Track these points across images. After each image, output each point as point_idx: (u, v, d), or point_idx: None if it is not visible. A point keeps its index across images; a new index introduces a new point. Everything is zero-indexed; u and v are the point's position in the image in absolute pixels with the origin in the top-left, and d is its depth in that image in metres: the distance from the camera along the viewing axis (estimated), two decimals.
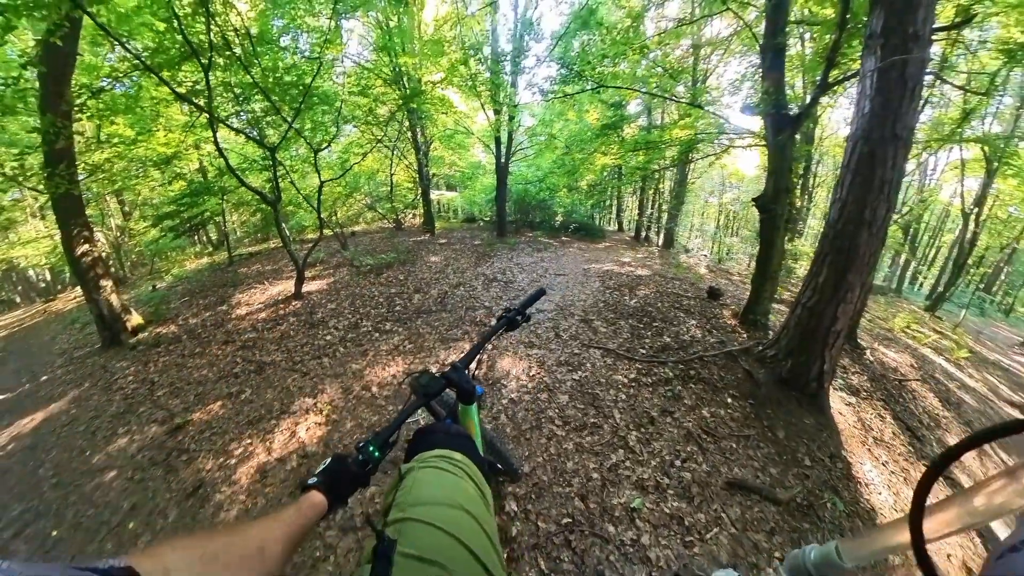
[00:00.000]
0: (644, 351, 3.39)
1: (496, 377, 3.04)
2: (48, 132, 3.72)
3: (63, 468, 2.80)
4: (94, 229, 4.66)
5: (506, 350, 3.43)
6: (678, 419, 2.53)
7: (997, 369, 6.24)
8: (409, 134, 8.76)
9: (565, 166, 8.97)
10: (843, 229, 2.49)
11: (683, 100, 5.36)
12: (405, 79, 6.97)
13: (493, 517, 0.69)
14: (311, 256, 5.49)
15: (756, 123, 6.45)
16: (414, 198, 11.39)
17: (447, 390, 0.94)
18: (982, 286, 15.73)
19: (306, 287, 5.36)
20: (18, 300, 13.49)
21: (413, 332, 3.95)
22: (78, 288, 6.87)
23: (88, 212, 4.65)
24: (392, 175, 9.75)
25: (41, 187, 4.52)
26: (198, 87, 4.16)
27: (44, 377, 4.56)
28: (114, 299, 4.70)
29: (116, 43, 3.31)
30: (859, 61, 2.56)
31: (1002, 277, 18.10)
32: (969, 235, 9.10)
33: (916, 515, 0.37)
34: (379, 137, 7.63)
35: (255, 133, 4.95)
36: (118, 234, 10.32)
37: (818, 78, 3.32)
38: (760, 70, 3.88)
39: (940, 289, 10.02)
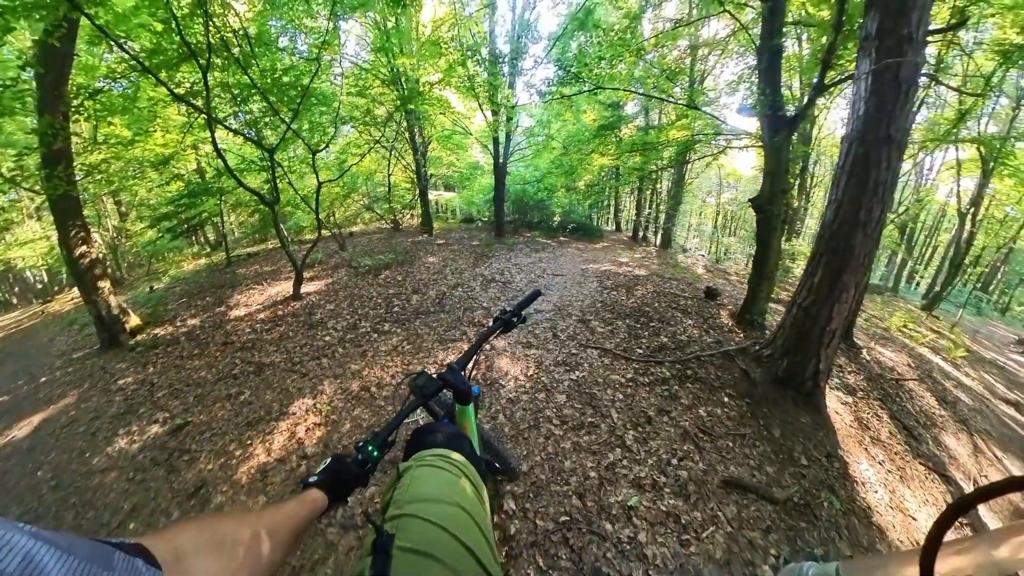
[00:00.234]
0: (641, 351, 3.40)
1: (494, 377, 3.05)
2: (46, 133, 3.71)
3: (62, 470, 2.79)
4: (91, 230, 4.65)
5: (504, 350, 3.44)
6: (675, 418, 2.55)
7: (993, 367, 6.28)
8: (407, 134, 8.77)
9: (563, 166, 9.00)
10: (838, 230, 2.51)
11: (680, 102, 5.39)
12: (403, 80, 6.98)
13: (488, 514, 0.71)
14: (309, 257, 5.50)
15: (753, 124, 6.51)
16: (412, 198, 11.40)
17: (444, 391, 0.95)
18: (979, 285, 15.82)
19: (304, 288, 5.37)
20: (15, 301, 13.44)
21: (411, 333, 3.96)
22: (75, 289, 6.87)
23: (85, 213, 4.65)
24: (390, 175, 9.75)
25: (38, 188, 4.52)
26: (196, 88, 4.17)
27: (42, 379, 4.55)
28: (112, 300, 4.70)
29: (114, 44, 3.31)
30: (855, 63, 2.59)
31: (999, 276, 18.21)
32: (965, 235, 9.15)
33: (929, 556, 0.33)
34: (377, 138, 7.64)
35: (253, 134, 4.95)
36: (115, 235, 10.30)
37: (814, 80, 3.34)
38: (757, 71, 3.91)
39: (937, 288, 10.08)
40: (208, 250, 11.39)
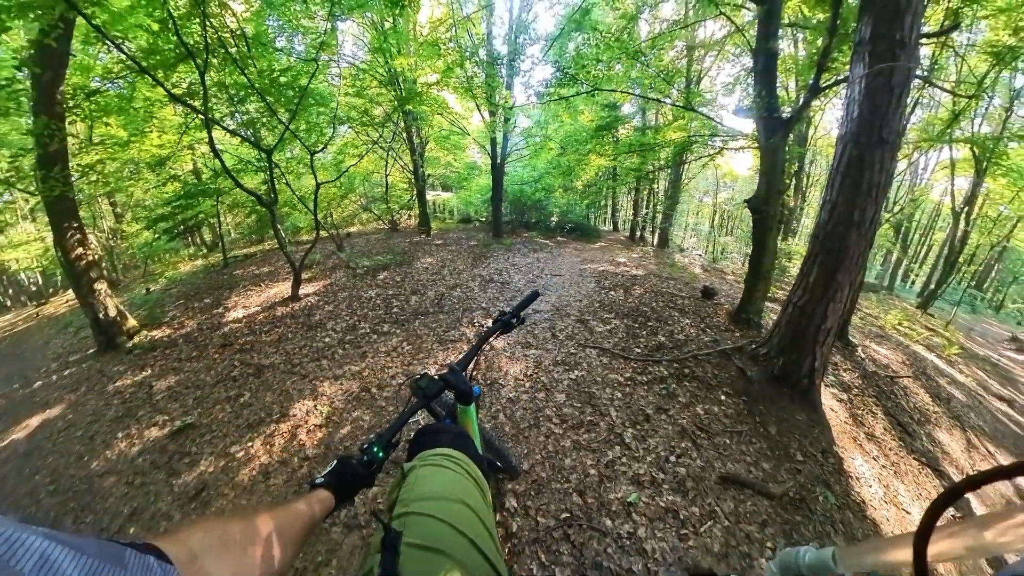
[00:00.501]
0: (639, 350, 3.43)
1: (494, 377, 3.07)
2: (42, 134, 3.69)
3: (60, 474, 2.77)
4: (87, 232, 4.62)
5: (504, 350, 3.46)
6: (673, 416, 2.58)
7: (987, 364, 6.36)
8: (404, 135, 8.76)
9: (560, 167, 9.02)
10: (833, 230, 2.55)
11: (677, 103, 5.42)
12: (400, 80, 6.98)
13: (491, 510, 0.73)
14: (307, 258, 5.49)
15: (749, 125, 6.55)
16: (409, 199, 11.39)
17: (446, 391, 0.97)
18: (973, 283, 15.98)
19: (303, 289, 5.36)
20: (8, 304, 13.31)
21: (411, 334, 3.97)
22: (70, 291, 6.81)
23: (80, 214, 4.62)
24: (387, 176, 9.74)
25: (33, 189, 4.49)
26: (193, 88, 4.16)
27: (38, 382, 4.52)
28: (109, 303, 4.67)
29: (111, 44, 3.30)
30: (849, 66, 2.62)
31: (993, 274, 18.41)
32: (960, 233, 9.24)
33: (922, 540, 0.35)
34: (375, 139, 7.63)
35: (250, 135, 4.94)
36: (110, 236, 10.23)
37: (809, 82, 3.38)
38: (753, 73, 3.94)
39: (932, 287, 10.17)
40: (205, 251, 11.33)
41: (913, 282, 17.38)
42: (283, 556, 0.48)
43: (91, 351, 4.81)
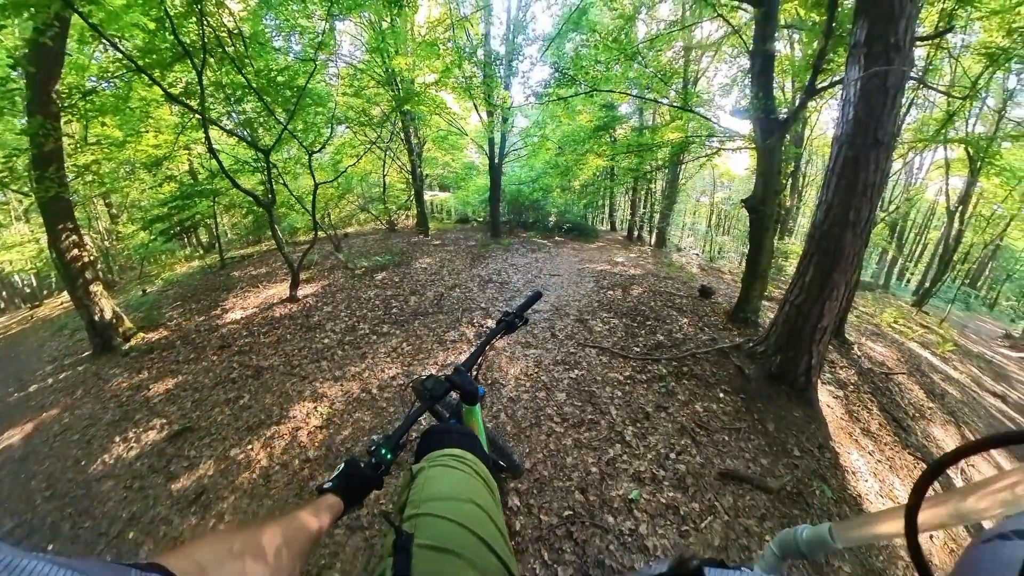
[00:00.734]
0: (638, 349, 3.45)
1: (495, 377, 3.08)
2: (37, 134, 3.66)
3: (57, 479, 2.75)
4: (82, 233, 4.59)
5: (504, 350, 3.47)
6: (672, 414, 2.60)
7: (981, 361, 6.44)
8: (402, 135, 8.75)
9: (558, 167, 9.04)
10: (829, 230, 2.58)
11: (675, 104, 5.45)
12: (398, 80, 6.97)
13: (500, 509, 0.73)
14: (305, 259, 5.48)
15: (746, 126, 6.60)
16: (407, 199, 11.37)
17: (451, 392, 0.97)
18: (967, 281, 16.16)
19: (301, 290, 5.35)
20: (2, 306, 13.17)
21: (411, 334, 3.97)
22: (65, 293, 6.75)
23: (75, 215, 4.58)
24: (385, 176, 9.73)
25: (27, 190, 4.45)
26: (191, 88, 4.13)
27: (33, 386, 4.48)
28: (105, 304, 4.64)
29: (107, 43, 3.28)
30: (845, 67, 2.65)
31: (986, 272, 18.63)
32: (954, 232, 9.36)
33: (912, 511, 0.37)
34: (373, 139, 7.62)
35: (248, 135, 4.92)
36: (106, 237, 10.15)
37: (806, 83, 3.41)
38: (750, 75, 3.97)
39: (927, 285, 10.29)
40: (201, 252, 11.26)
41: (908, 280, 17.55)
42: (293, 565, 0.48)
43: (87, 354, 4.77)
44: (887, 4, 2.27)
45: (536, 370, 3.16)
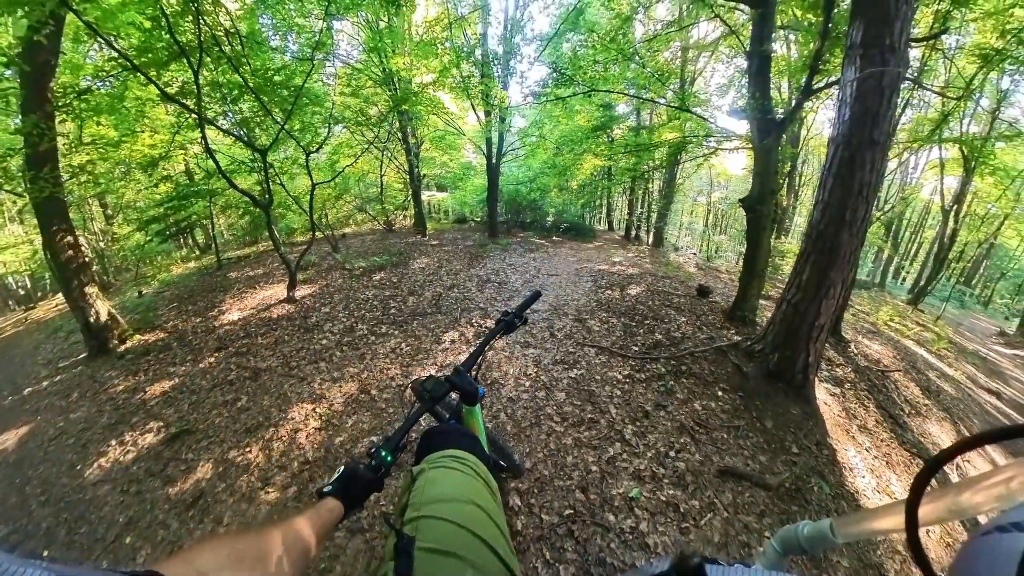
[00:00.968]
0: (637, 348, 3.46)
1: (494, 377, 3.08)
2: (31, 133, 3.63)
3: (52, 484, 2.72)
4: (77, 234, 4.55)
5: (502, 350, 3.47)
6: (671, 412, 2.61)
7: (976, 358, 6.50)
8: (399, 135, 8.73)
9: (556, 167, 9.05)
10: (825, 229, 2.60)
11: (672, 104, 5.47)
12: (396, 80, 6.96)
13: (502, 509, 0.73)
14: (302, 259, 5.46)
15: (743, 126, 6.63)
16: (404, 199, 11.35)
17: (451, 393, 0.97)
18: (962, 279, 16.32)
19: (298, 291, 5.32)
20: None
21: (409, 334, 3.97)
22: (60, 295, 6.70)
23: (70, 216, 4.54)
24: (382, 176, 9.70)
25: (21, 190, 4.41)
26: (187, 87, 4.11)
27: (28, 389, 4.43)
28: (100, 306, 4.60)
29: (102, 42, 3.25)
30: (841, 68, 2.67)
31: (981, 271, 18.83)
32: (949, 231, 9.44)
33: (912, 506, 0.37)
34: (370, 139, 7.60)
35: (244, 134, 4.90)
36: (101, 238, 10.06)
37: (802, 83, 3.44)
38: (747, 75, 3.99)
39: (922, 283, 10.38)
40: (197, 253, 11.19)
41: (904, 279, 17.70)
42: (294, 571, 0.47)
43: (82, 356, 4.73)
44: (883, 6, 2.29)
45: (535, 370, 3.16)
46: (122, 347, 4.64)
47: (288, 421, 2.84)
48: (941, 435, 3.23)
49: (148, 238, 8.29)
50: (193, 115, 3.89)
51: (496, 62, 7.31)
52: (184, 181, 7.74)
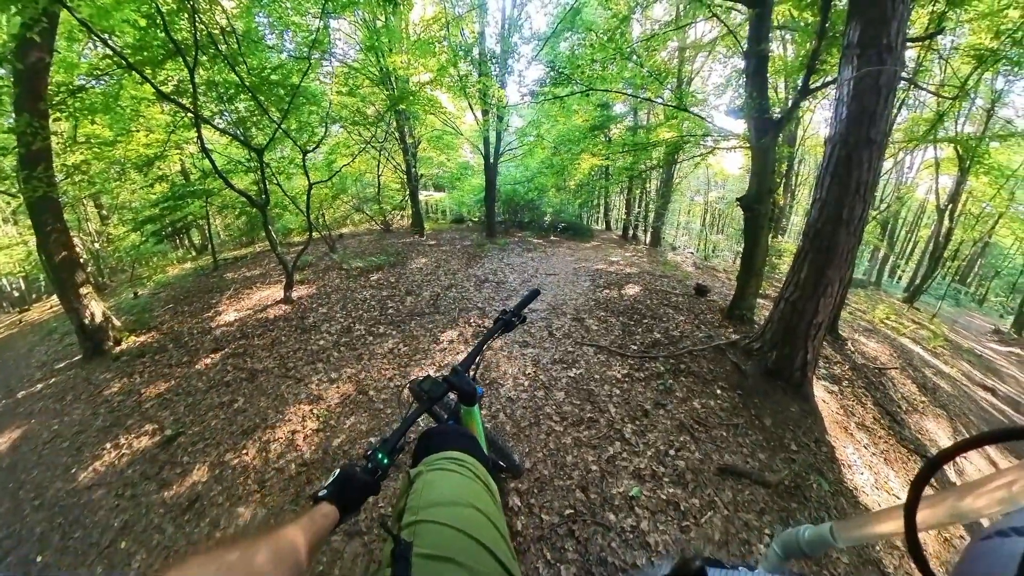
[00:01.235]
0: (636, 347, 3.46)
1: (493, 377, 3.07)
2: (24, 132, 3.59)
3: (46, 488, 2.69)
4: (71, 234, 4.50)
5: (501, 350, 3.46)
6: (671, 411, 2.61)
7: (971, 356, 6.55)
8: (397, 134, 8.71)
9: (553, 166, 9.05)
10: (822, 228, 2.60)
11: (670, 104, 5.48)
12: (393, 79, 6.94)
13: (502, 512, 0.72)
14: (299, 259, 5.43)
15: (740, 126, 6.65)
16: (402, 199, 11.32)
17: (449, 393, 0.96)
18: (957, 278, 16.45)
19: (295, 292, 5.29)
20: None
21: (407, 335, 3.95)
22: (55, 297, 6.63)
23: (65, 216, 4.50)
24: (380, 176, 9.67)
25: (15, 191, 4.36)
26: (183, 86, 4.07)
27: (22, 392, 4.39)
28: (95, 308, 4.55)
29: (97, 40, 3.22)
30: (838, 67, 2.68)
31: (976, 269, 18.99)
32: (944, 230, 9.51)
33: (911, 509, 0.38)
34: (367, 139, 7.57)
35: (241, 134, 4.86)
36: (96, 239, 9.98)
37: (799, 83, 3.45)
38: (744, 75, 4.00)
39: (917, 281, 10.45)
40: (194, 254, 11.12)
41: (900, 277, 17.83)
42: None
43: (77, 358, 4.69)
44: (881, 6, 2.30)
45: (534, 369, 3.16)
46: (117, 349, 4.60)
47: (285, 423, 2.82)
48: (938, 432, 3.25)
49: (143, 239, 8.22)
50: (189, 114, 3.86)
51: (494, 61, 7.31)
52: (180, 181, 7.69)
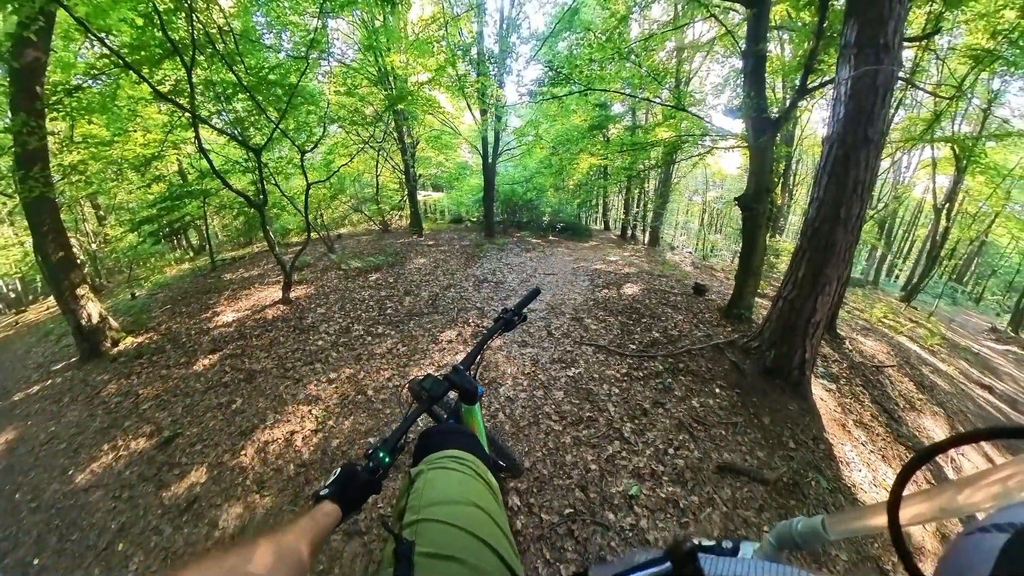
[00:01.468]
0: (634, 346, 3.47)
1: (492, 376, 3.07)
2: (21, 132, 3.57)
3: (43, 490, 2.68)
4: (68, 235, 4.48)
5: (500, 350, 3.46)
6: (670, 410, 2.61)
7: (968, 354, 6.58)
8: (395, 134, 8.70)
9: (552, 166, 9.05)
10: (820, 227, 2.61)
11: (668, 104, 5.49)
12: (391, 79, 6.93)
13: (503, 510, 0.72)
14: (298, 260, 5.41)
15: (738, 125, 6.68)
16: (400, 199, 11.31)
17: (449, 392, 0.95)
18: (954, 277, 16.53)
19: (293, 292, 5.28)
20: None
21: (406, 335, 3.95)
22: (51, 298, 6.60)
23: (62, 217, 4.48)
24: (378, 176, 9.66)
25: (11, 191, 4.34)
26: (180, 85, 4.06)
27: (18, 394, 4.36)
28: (92, 309, 4.53)
29: (94, 39, 3.21)
30: (835, 67, 2.69)
31: (972, 268, 19.09)
32: (941, 229, 9.57)
33: (894, 504, 0.38)
34: (366, 139, 7.56)
35: (238, 133, 4.85)
36: (93, 240, 9.93)
37: (797, 82, 3.46)
38: (742, 75, 4.01)
39: (915, 280, 10.50)
40: (191, 255, 11.08)
41: (897, 276, 17.90)
42: None
43: (74, 359, 4.66)
44: (878, 6, 2.31)
45: (533, 369, 3.16)
46: (115, 350, 4.58)
47: (284, 423, 2.81)
48: (935, 429, 3.26)
49: (141, 239, 8.17)
50: (186, 114, 3.85)
51: (492, 61, 7.30)
52: (178, 181, 7.67)
